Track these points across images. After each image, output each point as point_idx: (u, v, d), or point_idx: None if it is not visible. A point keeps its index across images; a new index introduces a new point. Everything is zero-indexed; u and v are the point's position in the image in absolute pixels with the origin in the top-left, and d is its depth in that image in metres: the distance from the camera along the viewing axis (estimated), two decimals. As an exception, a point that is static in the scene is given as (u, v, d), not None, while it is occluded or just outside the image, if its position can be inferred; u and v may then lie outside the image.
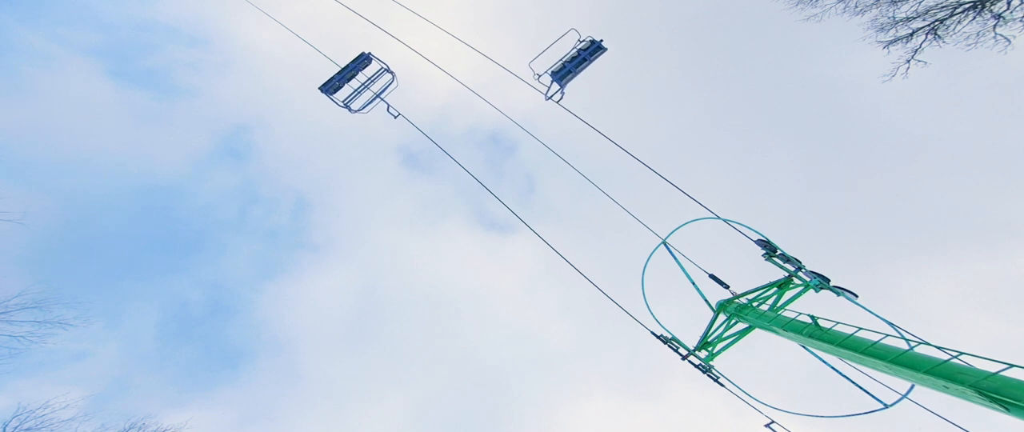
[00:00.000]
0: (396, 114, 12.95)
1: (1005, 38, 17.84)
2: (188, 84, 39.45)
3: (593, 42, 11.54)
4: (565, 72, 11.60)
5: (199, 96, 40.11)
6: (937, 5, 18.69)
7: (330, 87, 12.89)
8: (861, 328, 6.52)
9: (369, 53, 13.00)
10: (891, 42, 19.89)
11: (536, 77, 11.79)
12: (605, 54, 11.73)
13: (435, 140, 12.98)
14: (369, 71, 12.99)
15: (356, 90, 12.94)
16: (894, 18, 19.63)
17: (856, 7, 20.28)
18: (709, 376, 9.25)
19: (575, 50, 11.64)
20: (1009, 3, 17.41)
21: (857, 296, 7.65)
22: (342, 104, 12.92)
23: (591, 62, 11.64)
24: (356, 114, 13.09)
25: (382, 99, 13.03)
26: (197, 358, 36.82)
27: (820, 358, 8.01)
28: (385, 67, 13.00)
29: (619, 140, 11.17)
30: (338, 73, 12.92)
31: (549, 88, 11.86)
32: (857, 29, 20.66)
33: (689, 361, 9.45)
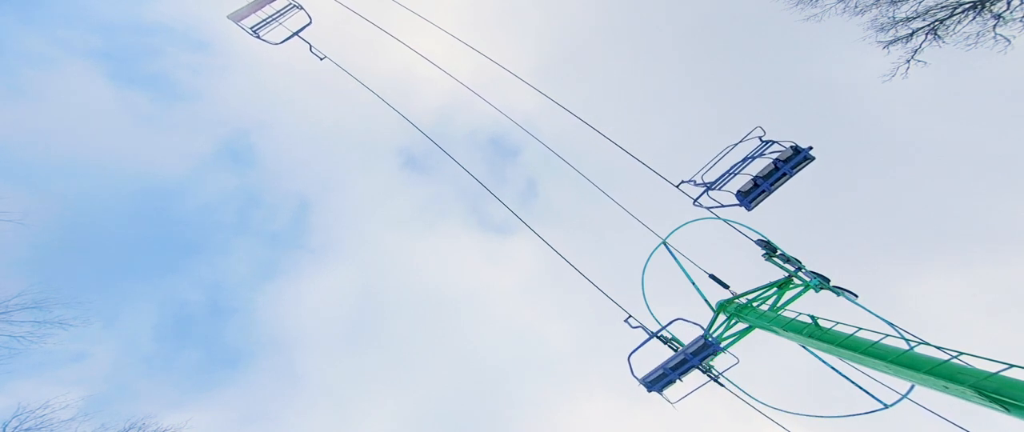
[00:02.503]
0: (321, 56, 13.30)
1: (1005, 38, 17.85)
2: (188, 86, 39.49)
3: (797, 150, 8.10)
4: (759, 192, 8.44)
5: (199, 98, 40.14)
6: (937, 5, 18.70)
7: (239, 16, 13.51)
8: (861, 328, 6.52)
9: None
10: (891, 42, 19.91)
11: (702, 188, 9.01)
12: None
13: (414, 123, 12.97)
14: (279, 5, 13.76)
15: (264, 20, 13.57)
16: (894, 18, 19.65)
17: (856, 7, 20.30)
18: (709, 376, 9.25)
19: (772, 162, 8.28)
20: (1009, 3, 17.42)
21: (857, 296, 7.66)
22: (252, 32, 13.46)
23: (793, 176, 8.31)
24: (275, 46, 13.68)
25: (301, 38, 13.50)
26: (196, 358, 36.86)
27: (820, 358, 8.01)
28: (293, 3, 13.70)
29: (619, 140, 11.16)
30: (247, 5, 13.63)
31: (702, 195, 9.09)
32: (857, 29, 20.70)
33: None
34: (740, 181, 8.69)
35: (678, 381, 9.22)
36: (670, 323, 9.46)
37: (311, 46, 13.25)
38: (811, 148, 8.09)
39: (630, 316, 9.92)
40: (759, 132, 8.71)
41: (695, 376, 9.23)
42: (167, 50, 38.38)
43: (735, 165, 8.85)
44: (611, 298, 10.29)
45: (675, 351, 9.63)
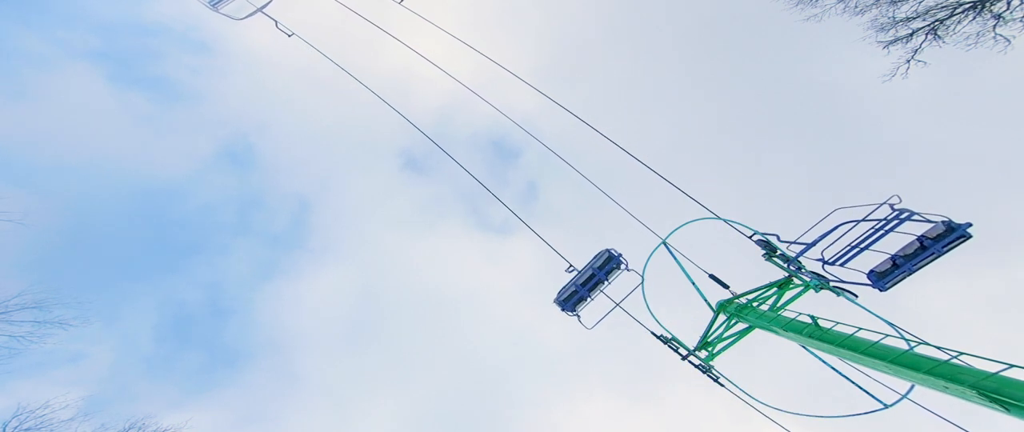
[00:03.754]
0: (289, 33, 13.44)
1: (1005, 38, 17.84)
2: (188, 87, 39.49)
3: (951, 227, 6.58)
4: (900, 273, 7.08)
5: (199, 99, 40.14)
6: (937, 5, 18.69)
7: None
8: (861, 328, 6.52)
9: None
10: (891, 42, 19.90)
11: (819, 263, 7.61)
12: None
13: (413, 122, 12.97)
14: None
15: None
16: (894, 18, 19.64)
17: (856, 7, 20.29)
18: (709, 376, 9.25)
19: (917, 240, 6.88)
20: (1009, 3, 17.42)
21: (857, 296, 7.65)
22: (210, 5, 13.76)
23: (943, 255, 6.82)
24: (238, 21, 13.88)
25: (265, 14, 13.65)
26: (196, 359, 36.86)
27: (820, 358, 8.01)
28: None
29: (621, 142, 11.16)
30: None
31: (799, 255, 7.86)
32: (857, 29, 20.69)
33: (689, 361, 9.46)
34: (862, 255, 7.44)
35: (588, 298, 10.08)
36: (595, 256, 10.20)
37: (277, 22, 13.35)
38: (969, 225, 6.55)
39: (570, 266, 10.44)
40: (895, 199, 7.26)
41: (603, 300, 10.23)
42: (167, 51, 38.39)
43: (865, 238, 7.34)
44: (611, 298, 10.28)
45: (675, 351, 9.65)
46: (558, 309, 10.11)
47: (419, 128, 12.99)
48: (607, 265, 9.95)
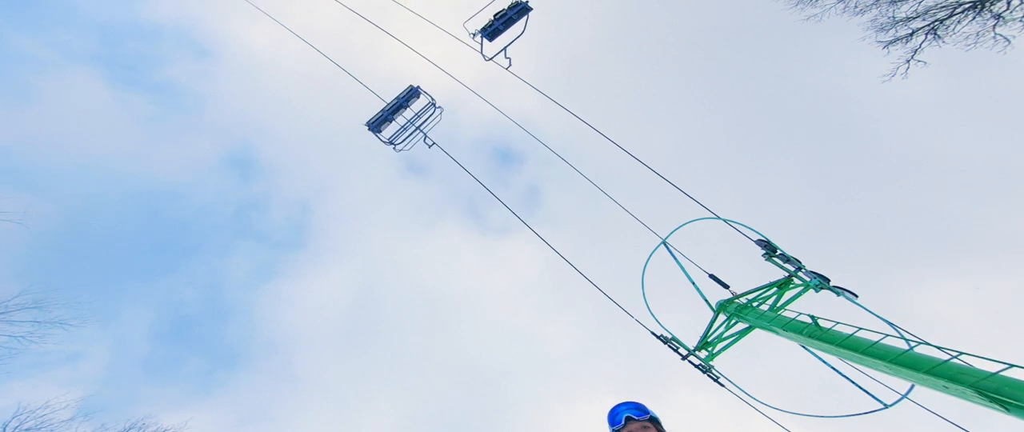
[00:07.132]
0: None
1: (1005, 38, 17.84)
2: (188, 89, 39.48)
3: None
4: None
5: (199, 100, 40.13)
6: (937, 5, 18.69)
7: None
8: (861, 328, 6.51)
9: None
10: (891, 42, 19.90)
11: None
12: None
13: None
14: None
15: None
16: (894, 18, 19.64)
17: (856, 7, 20.30)
18: (709, 376, 9.24)
19: None
20: (1009, 3, 17.41)
21: (857, 296, 7.64)
22: None
23: None
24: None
25: None
26: (196, 359, 36.85)
27: (820, 358, 8.00)
28: None
29: (621, 144, 11.15)
30: None
31: None
32: (857, 29, 20.69)
33: (689, 361, 9.45)
34: None
35: (392, 119, 12.54)
36: (402, 90, 12.60)
37: None
38: None
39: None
40: None
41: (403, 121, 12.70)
42: (168, 53, 38.39)
43: None
44: (611, 298, 10.30)
45: (675, 351, 9.66)
46: (367, 130, 12.46)
47: (418, 126, 12.99)
48: (409, 95, 12.46)
